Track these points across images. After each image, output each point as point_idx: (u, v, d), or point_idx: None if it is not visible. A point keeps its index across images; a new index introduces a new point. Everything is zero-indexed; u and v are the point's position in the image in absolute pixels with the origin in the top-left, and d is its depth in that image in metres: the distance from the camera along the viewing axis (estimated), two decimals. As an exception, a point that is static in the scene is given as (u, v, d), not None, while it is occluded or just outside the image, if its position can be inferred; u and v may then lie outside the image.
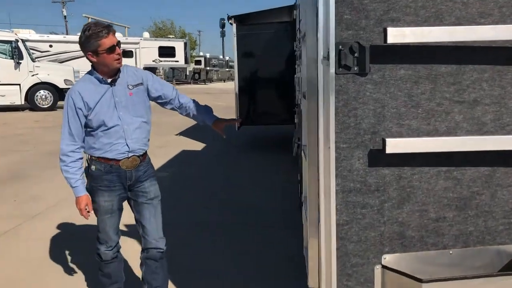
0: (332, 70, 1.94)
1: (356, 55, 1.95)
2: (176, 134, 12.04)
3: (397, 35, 1.88)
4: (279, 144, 10.29)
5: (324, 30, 1.95)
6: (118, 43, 2.83)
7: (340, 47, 1.94)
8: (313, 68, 2.44)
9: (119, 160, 2.92)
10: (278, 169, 7.90)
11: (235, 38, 9.22)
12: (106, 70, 2.87)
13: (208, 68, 46.30)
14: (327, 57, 1.95)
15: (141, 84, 3.00)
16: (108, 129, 2.87)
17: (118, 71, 2.91)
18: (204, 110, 3.20)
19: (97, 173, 2.94)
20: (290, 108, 8.45)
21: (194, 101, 3.21)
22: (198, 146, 10.54)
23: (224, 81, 50.52)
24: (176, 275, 3.75)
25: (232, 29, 9.19)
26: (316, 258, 2.50)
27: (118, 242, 3.15)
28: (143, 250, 3.14)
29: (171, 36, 43.89)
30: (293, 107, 8.10)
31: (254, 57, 9.33)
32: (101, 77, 2.88)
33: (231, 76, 53.53)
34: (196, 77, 44.68)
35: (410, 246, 2.11)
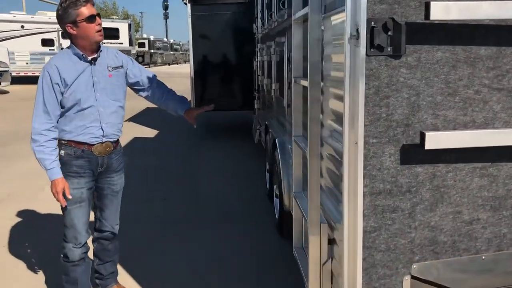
0: (363, 51, 1.63)
1: (390, 33, 1.64)
2: (126, 120, 11.41)
3: (441, 10, 1.59)
4: (237, 130, 9.96)
5: (352, 3, 1.64)
6: (98, 14, 2.70)
7: (373, 23, 1.63)
8: (317, 49, 2.17)
9: (92, 145, 2.76)
10: (239, 157, 7.58)
11: (190, 19, 8.75)
12: (86, 44, 2.71)
13: (152, 51, 44.75)
14: (356, 36, 1.64)
15: (121, 67, 2.89)
16: (82, 110, 2.71)
17: (99, 49, 2.77)
18: (179, 100, 3.13)
19: (66, 158, 2.74)
20: (249, 93, 8.12)
21: (170, 90, 3.12)
22: (150, 133, 10.03)
23: (169, 64, 49.11)
24: (135, 273, 3.56)
25: (186, 9, 8.70)
26: (318, 259, 2.22)
27: (86, 242, 2.88)
28: (96, 230, 3.06)
29: (114, 17, 41.99)
30: (252, 92, 7.78)
31: (210, 39, 8.90)
32: (81, 53, 2.72)
33: (176, 59, 52.23)
34: (140, 60, 43.09)
35: (441, 253, 1.86)
